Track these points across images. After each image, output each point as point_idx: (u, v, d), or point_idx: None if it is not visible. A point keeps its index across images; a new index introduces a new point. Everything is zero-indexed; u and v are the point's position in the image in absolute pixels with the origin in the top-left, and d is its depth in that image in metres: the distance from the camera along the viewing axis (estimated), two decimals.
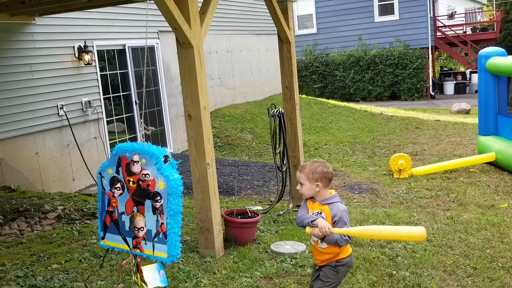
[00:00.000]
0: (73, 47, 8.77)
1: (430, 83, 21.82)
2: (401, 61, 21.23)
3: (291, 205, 7.10)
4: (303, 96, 19.16)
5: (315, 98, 19.50)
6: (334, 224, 3.31)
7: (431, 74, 22.05)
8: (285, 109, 7.04)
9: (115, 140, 9.92)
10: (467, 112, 16.77)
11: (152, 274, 3.30)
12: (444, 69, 25.82)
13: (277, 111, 6.91)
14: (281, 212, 6.79)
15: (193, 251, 5.33)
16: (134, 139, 10.39)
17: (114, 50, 9.92)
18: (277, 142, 7.00)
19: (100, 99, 9.38)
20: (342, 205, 3.40)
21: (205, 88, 5.12)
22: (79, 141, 8.79)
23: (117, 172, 3.24)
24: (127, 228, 3.27)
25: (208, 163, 5.10)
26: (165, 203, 3.12)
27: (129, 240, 3.28)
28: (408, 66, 21.14)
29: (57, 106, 8.43)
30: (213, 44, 13.43)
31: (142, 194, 3.20)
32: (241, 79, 15.09)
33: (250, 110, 14.31)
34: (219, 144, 11.70)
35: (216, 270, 4.83)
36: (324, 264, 3.51)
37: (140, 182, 3.18)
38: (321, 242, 3.40)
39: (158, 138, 11.14)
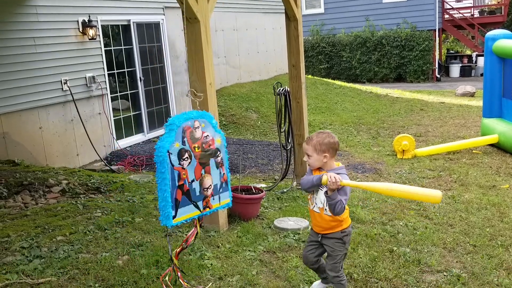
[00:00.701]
0: (77, 21, 8.76)
1: (436, 66, 21.70)
2: (408, 43, 21.09)
3: (295, 183, 7.14)
4: (309, 76, 19.10)
5: (321, 78, 19.44)
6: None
7: (437, 57, 21.91)
8: (291, 87, 7.04)
9: (120, 117, 9.95)
10: (472, 95, 16.71)
11: None
12: (451, 51, 25.66)
13: (283, 89, 6.91)
14: (285, 190, 6.84)
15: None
16: (138, 116, 10.42)
17: (118, 25, 9.89)
18: (282, 120, 7.01)
19: (104, 75, 9.38)
20: (344, 175, 3.44)
21: (211, 64, 5.12)
22: (83, 117, 8.81)
23: (183, 143, 3.42)
24: (197, 193, 3.54)
25: None
26: (223, 156, 3.62)
27: (200, 203, 3.57)
28: (415, 48, 21.01)
29: (61, 81, 8.44)
30: (220, 22, 13.37)
31: (207, 155, 3.56)
32: (247, 58, 15.04)
33: (255, 89, 14.29)
34: (224, 122, 11.72)
35: (220, 244, 4.89)
36: (329, 233, 3.57)
37: (204, 145, 3.52)
38: (326, 209, 3.47)
39: (163, 116, 11.16)
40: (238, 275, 4.26)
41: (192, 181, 3.47)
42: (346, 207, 3.52)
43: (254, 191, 5.81)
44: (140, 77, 10.37)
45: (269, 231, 5.27)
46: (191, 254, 4.63)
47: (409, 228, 5.32)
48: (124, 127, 10.06)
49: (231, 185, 6.40)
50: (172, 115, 11.32)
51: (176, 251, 3.74)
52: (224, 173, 3.61)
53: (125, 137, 10.09)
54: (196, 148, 3.46)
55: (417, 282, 4.18)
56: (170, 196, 3.41)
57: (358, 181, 7.50)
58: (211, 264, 4.42)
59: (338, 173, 3.39)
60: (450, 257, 4.65)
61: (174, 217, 3.45)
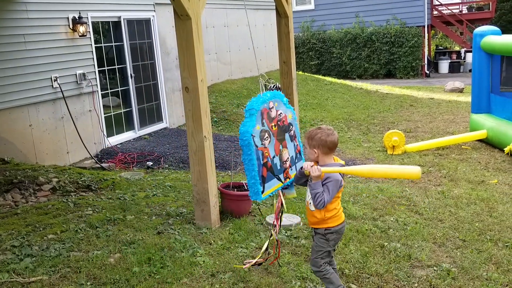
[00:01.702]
0: (68, 18, 8.71)
1: (426, 62, 21.82)
2: (397, 39, 21.18)
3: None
4: (300, 72, 19.13)
5: (312, 75, 19.48)
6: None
7: (426, 53, 22.03)
8: (282, 84, 7.06)
9: (110, 114, 9.92)
10: (460, 90, 16.83)
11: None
12: (440, 48, 25.80)
13: (274, 85, 6.92)
14: None
15: (190, 223, 5.40)
16: (129, 113, 10.39)
17: (109, 22, 9.85)
18: None
19: (94, 71, 9.34)
20: (337, 175, 3.45)
21: (203, 60, 5.13)
22: (73, 114, 8.77)
23: (263, 124, 3.70)
24: (279, 167, 3.81)
25: (205, 136, 5.13)
26: (296, 129, 3.89)
27: (281, 176, 3.84)
28: (404, 44, 21.10)
29: (51, 78, 8.40)
30: (210, 19, 13.35)
31: (282, 131, 3.84)
32: (238, 54, 15.03)
33: (246, 86, 14.30)
34: (215, 119, 11.72)
35: (212, 241, 4.90)
36: (315, 228, 3.63)
37: (279, 122, 3.79)
38: (310, 203, 3.52)
39: (154, 113, 11.14)
40: (231, 272, 4.28)
41: (274, 157, 3.76)
42: (337, 207, 3.55)
43: (246, 187, 5.83)
44: (130, 74, 10.33)
45: (261, 227, 5.29)
46: (183, 251, 4.64)
47: (400, 224, 5.36)
48: (114, 124, 10.03)
49: (222, 181, 6.45)
50: (162, 112, 11.31)
51: (275, 230, 3.97)
52: (297, 144, 3.89)
53: (116, 134, 10.05)
54: (273, 127, 3.76)
55: (408, 277, 4.22)
56: (258, 174, 3.68)
57: (349, 178, 7.55)
58: (204, 261, 4.44)
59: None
60: (440, 252, 4.70)
61: (262, 191, 3.72)
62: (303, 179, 3.59)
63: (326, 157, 3.50)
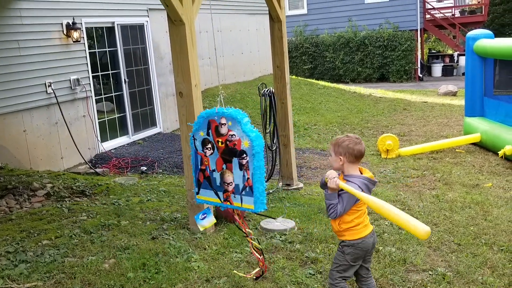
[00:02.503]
0: (61, 24, 8.70)
1: (419, 65, 21.90)
2: (390, 43, 21.26)
3: (280, 183, 7.17)
4: (293, 77, 19.16)
5: (305, 79, 19.52)
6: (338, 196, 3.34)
7: (419, 56, 22.11)
8: (276, 88, 7.07)
9: (104, 119, 9.90)
10: (454, 94, 16.91)
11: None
12: (433, 51, 25.91)
13: (267, 90, 6.94)
14: (271, 191, 6.86)
15: (184, 228, 5.39)
16: (123, 118, 10.37)
17: (103, 27, 9.85)
18: (267, 121, 7.04)
19: (88, 77, 9.33)
20: (356, 187, 3.29)
21: (197, 65, 5.13)
22: (67, 119, 8.75)
23: (208, 134, 3.62)
24: (218, 184, 3.69)
25: None
26: (250, 160, 3.52)
27: (220, 194, 3.71)
28: (397, 48, 21.19)
29: (45, 84, 8.38)
30: (204, 23, 13.36)
31: (230, 153, 3.62)
32: (232, 59, 15.05)
33: (240, 90, 14.31)
34: None
35: (206, 246, 4.90)
36: (338, 238, 3.56)
37: (228, 142, 3.59)
38: None
39: (148, 118, 11.13)
40: (225, 277, 4.27)
41: (213, 170, 3.66)
42: (356, 220, 3.40)
43: None
44: (124, 79, 10.32)
45: (255, 232, 5.29)
46: (177, 256, 4.63)
47: (394, 228, 5.37)
48: (108, 129, 10.01)
49: None
50: (156, 117, 11.30)
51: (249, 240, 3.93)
52: (248, 178, 3.55)
53: (110, 139, 10.04)
54: (220, 143, 3.61)
55: (403, 281, 4.23)
56: (194, 174, 3.72)
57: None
58: (198, 267, 4.43)
59: (348, 180, 3.32)
60: (435, 256, 4.71)
61: (197, 193, 3.77)
62: (325, 186, 3.42)
63: (351, 166, 3.39)
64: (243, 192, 3.59)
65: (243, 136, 3.52)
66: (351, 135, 3.47)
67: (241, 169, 3.58)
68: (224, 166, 3.65)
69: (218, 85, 14.22)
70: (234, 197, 3.65)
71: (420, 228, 2.98)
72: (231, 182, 3.62)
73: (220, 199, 3.72)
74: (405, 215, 3.12)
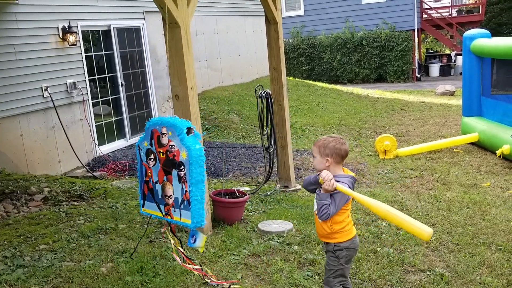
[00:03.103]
0: (57, 27, 8.68)
1: (416, 65, 21.91)
2: (387, 44, 21.27)
3: (278, 185, 7.16)
4: (291, 78, 19.17)
5: (303, 80, 19.52)
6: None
7: (417, 57, 22.13)
8: (273, 90, 7.06)
9: (101, 122, 9.88)
10: (451, 94, 16.92)
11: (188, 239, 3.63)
12: (430, 51, 25.92)
13: (264, 92, 6.93)
14: (269, 193, 6.85)
15: (182, 231, 5.37)
16: (120, 121, 10.36)
17: (99, 31, 9.83)
18: (265, 123, 7.03)
19: (85, 80, 9.31)
20: (346, 187, 3.31)
21: (193, 68, 5.12)
22: (64, 123, 8.73)
23: (151, 144, 3.50)
24: (160, 196, 3.56)
25: None
26: (187, 172, 3.36)
27: (162, 207, 3.58)
28: (395, 48, 21.20)
29: (42, 88, 8.36)
30: (200, 26, 13.36)
31: (170, 164, 3.48)
32: (229, 61, 15.04)
33: (237, 92, 14.30)
34: (206, 126, 11.70)
35: (204, 249, 4.88)
36: (326, 242, 3.49)
37: (168, 153, 3.45)
38: (317, 214, 3.40)
39: (145, 121, 11.07)
40: (223, 280, 4.26)
41: (156, 182, 3.53)
42: (345, 220, 3.41)
43: (237, 194, 5.82)
44: (121, 82, 10.31)
45: (253, 234, 5.28)
46: (175, 259, 4.61)
47: (392, 228, 5.36)
48: (106, 133, 9.99)
49: (214, 189, 6.42)
50: None
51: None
52: (186, 191, 3.40)
53: (107, 143, 10.02)
54: (161, 154, 3.47)
55: (401, 282, 4.22)
56: (140, 186, 3.60)
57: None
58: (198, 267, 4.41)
59: (337, 180, 3.29)
60: (433, 257, 4.70)
61: (143, 206, 3.65)
62: (313, 186, 3.41)
63: (337, 167, 3.40)
64: (182, 206, 3.46)
65: (181, 146, 3.39)
66: (334, 135, 3.46)
67: (179, 182, 3.44)
68: (165, 178, 3.52)
69: (216, 87, 14.22)
70: (174, 210, 3.50)
71: (424, 231, 3.07)
72: (171, 195, 3.49)
73: (162, 213, 3.57)
74: (408, 219, 3.18)
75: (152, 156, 3.51)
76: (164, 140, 3.45)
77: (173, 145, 3.42)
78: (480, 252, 4.73)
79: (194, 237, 3.55)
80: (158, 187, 3.54)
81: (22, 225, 5.77)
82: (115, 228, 5.53)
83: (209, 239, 5.13)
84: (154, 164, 3.53)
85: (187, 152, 3.35)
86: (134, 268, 4.43)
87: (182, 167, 3.39)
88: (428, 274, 4.35)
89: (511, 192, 6.63)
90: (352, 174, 3.47)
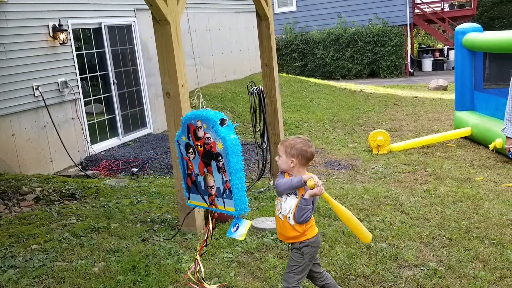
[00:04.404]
0: (47, 26, 8.61)
1: (409, 60, 21.93)
2: (380, 39, 21.27)
3: (271, 182, 7.14)
4: (284, 74, 19.14)
5: (296, 76, 19.49)
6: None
7: (409, 51, 22.15)
8: (265, 86, 7.03)
9: (93, 121, 9.83)
10: (444, 88, 16.94)
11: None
12: (422, 46, 25.96)
13: (256, 88, 6.90)
14: (262, 190, 6.83)
15: (174, 229, 5.35)
16: (113, 120, 10.31)
17: (90, 29, 9.77)
18: (257, 120, 7.01)
19: (76, 79, 9.25)
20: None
21: (183, 65, 5.09)
22: (56, 122, 8.68)
23: (188, 138, 3.60)
24: (203, 188, 3.66)
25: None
26: (225, 162, 3.44)
27: (206, 198, 3.67)
28: (387, 43, 21.20)
29: (33, 87, 8.30)
30: (192, 23, 13.29)
31: (208, 156, 3.56)
32: (221, 58, 15.00)
33: (230, 89, 14.26)
34: None
35: (197, 247, 4.85)
36: (290, 242, 3.48)
37: (206, 145, 3.54)
38: (289, 218, 3.36)
39: (138, 119, 11.06)
40: (216, 278, 4.24)
41: (197, 175, 3.64)
42: (313, 218, 3.47)
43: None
44: (113, 80, 10.26)
45: (247, 231, 5.25)
46: (168, 258, 4.59)
47: (386, 224, 5.36)
48: (98, 131, 9.94)
49: None
50: (146, 118, 11.24)
51: (199, 250, 3.80)
52: (227, 180, 3.49)
53: (100, 141, 9.96)
54: (199, 146, 3.58)
55: (395, 277, 4.21)
56: (184, 179, 3.74)
57: (335, 179, 7.55)
58: (189, 268, 4.38)
59: None
60: (426, 251, 4.70)
61: (188, 198, 3.78)
62: (291, 189, 3.33)
63: (302, 169, 3.36)
64: (224, 195, 3.53)
65: (216, 138, 3.46)
66: (302, 136, 3.43)
67: (219, 172, 3.52)
68: (205, 169, 3.60)
69: (208, 84, 14.18)
70: (218, 200, 3.59)
71: (366, 234, 3.43)
72: (213, 186, 3.57)
73: (206, 203, 3.67)
74: (356, 221, 3.44)
75: (191, 150, 3.61)
76: (200, 133, 3.53)
77: (209, 137, 3.50)
78: (473, 247, 4.72)
79: (237, 225, 3.59)
80: (200, 179, 3.64)
81: (13, 225, 5.73)
82: (107, 227, 5.50)
83: (202, 237, 5.10)
84: (194, 157, 3.63)
85: (222, 143, 3.42)
86: (127, 267, 4.40)
87: (220, 157, 3.47)
88: (421, 269, 4.34)
89: (504, 186, 6.63)
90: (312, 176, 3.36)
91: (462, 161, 8.03)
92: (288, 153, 3.34)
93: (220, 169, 3.50)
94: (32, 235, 5.37)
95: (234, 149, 3.42)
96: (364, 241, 3.57)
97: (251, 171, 8.30)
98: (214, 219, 3.72)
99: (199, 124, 3.52)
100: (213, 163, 3.54)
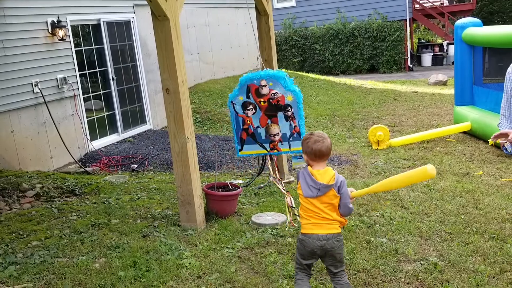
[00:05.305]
0: (46, 22, 8.60)
1: (408, 55, 21.90)
2: (379, 34, 21.24)
3: (271, 178, 7.13)
4: (283, 70, 19.06)
5: (295, 72, 19.48)
6: None
7: (409, 46, 22.12)
8: None
9: (93, 117, 9.82)
10: (444, 83, 16.93)
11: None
12: (422, 41, 25.93)
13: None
14: (262, 185, 6.83)
15: (175, 225, 5.36)
16: (112, 116, 10.30)
17: (88, 25, 9.75)
18: None
19: (76, 75, 9.24)
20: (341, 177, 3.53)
21: (183, 61, 5.08)
22: (55, 119, 8.67)
23: (248, 97, 4.40)
24: (263, 137, 4.60)
25: (187, 137, 5.09)
26: (295, 111, 4.43)
27: (266, 145, 4.65)
28: (387, 38, 21.17)
29: (32, 83, 8.29)
30: (191, 18, 13.28)
31: (274, 109, 4.47)
32: (221, 54, 14.98)
33: (230, 85, 14.24)
34: (199, 119, 11.66)
35: (198, 242, 4.87)
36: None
37: (271, 100, 4.40)
38: None
39: (137, 115, 11.06)
40: (217, 273, 4.25)
41: (257, 127, 4.49)
42: (301, 212, 3.54)
43: (231, 187, 5.80)
44: (112, 77, 10.24)
45: (247, 227, 5.27)
46: (168, 253, 4.60)
47: (386, 219, 5.37)
48: (98, 128, 9.93)
49: (207, 182, 6.42)
50: (146, 114, 11.24)
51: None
52: (295, 126, 4.41)
53: (100, 137, 9.96)
54: (262, 102, 4.36)
55: (395, 272, 4.22)
56: (236, 135, 4.63)
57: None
58: (189, 263, 4.40)
59: None
60: (426, 246, 4.71)
61: (240, 150, 4.70)
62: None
63: (316, 165, 3.40)
64: (291, 138, 4.48)
65: (286, 92, 4.27)
66: (316, 132, 3.44)
67: (287, 120, 4.41)
68: (268, 121, 4.45)
69: (208, 80, 14.17)
70: (282, 144, 4.52)
71: (425, 171, 3.36)
72: (278, 133, 4.45)
73: (266, 149, 4.60)
74: (406, 173, 3.50)
75: (250, 107, 4.40)
76: (264, 90, 4.31)
77: (276, 92, 4.30)
78: (473, 241, 4.73)
79: (299, 156, 4.59)
80: (261, 130, 4.52)
81: (14, 222, 5.74)
82: (107, 223, 5.51)
83: (203, 233, 5.12)
84: (254, 113, 4.43)
85: (293, 95, 4.29)
86: (127, 263, 4.41)
87: (289, 108, 4.35)
88: (421, 264, 4.35)
89: (504, 181, 6.64)
90: (325, 179, 3.39)
91: (461, 155, 8.04)
92: (302, 148, 3.51)
93: (289, 118, 4.41)
94: (33, 232, 5.38)
95: (301, 99, 4.38)
96: (429, 177, 3.46)
97: (251, 167, 8.31)
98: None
99: (263, 83, 4.27)
100: (280, 114, 4.41)
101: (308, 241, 3.42)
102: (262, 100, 4.35)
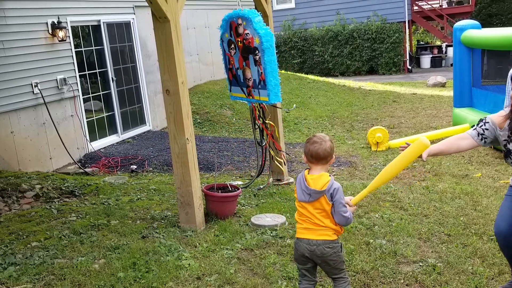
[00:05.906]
0: (46, 23, 8.61)
1: (407, 57, 21.95)
2: (378, 36, 21.28)
3: (271, 179, 7.15)
4: (282, 71, 19.11)
5: (294, 73, 19.49)
6: None
7: (408, 48, 22.16)
8: None
9: (93, 118, 9.83)
10: (443, 85, 16.96)
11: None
12: (421, 43, 25.97)
13: None
14: (261, 186, 6.84)
15: (174, 226, 5.36)
16: (112, 117, 10.31)
17: (88, 26, 9.77)
18: (256, 117, 7.00)
19: (75, 76, 9.25)
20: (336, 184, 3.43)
21: (183, 62, 5.09)
22: (55, 120, 8.68)
23: (231, 35, 4.07)
24: (242, 80, 4.21)
25: (187, 138, 5.10)
26: (261, 55, 3.94)
27: (244, 89, 4.23)
28: (386, 40, 21.21)
29: (32, 84, 8.30)
30: (191, 20, 13.30)
31: (247, 50, 4.05)
32: (220, 55, 14.96)
33: None
34: (198, 120, 11.67)
35: (197, 243, 4.88)
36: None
37: (245, 41, 4.02)
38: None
39: (137, 116, 11.07)
40: (216, 274, 4.26)
41: (238, 68, 4.13)
42: (296, 217, 3.51)
43: (230, 188, 5.81)
44: (112, 78, 10.26)
45: (246, 228, 5.28)
46: (168, 254, 4.61)
47: (385, 220, 5.38)
48: (97, 129, 9.94)
49: (207, 183, 6.42)
50: (145, 115, 11.25)
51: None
52: (261, 72, 3.94)
53: (99, 138, 9.97)
54: (239, 42, 4.01)
55: (394, 273, 4.23)
56: (226, 73, 4.30)
57: (334, 176, 7.56)
58: (189, 264, 4.41)
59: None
60: (425, 247, 4.72)
61: (230, 90, 4.34)
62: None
63: (314, 167, 3.35)
64: (259, 86, 4.03)
65: (254, 33, 3.87)
66: (319, 134, 3.40)
67: (255, 65, 3.99)
68: (244, 63, 4.07)
69: (208, 81, 14.19)
70: (254, 91, 4.10)
71: (418, 146, 3.30)
72: (250, 78, 4.04)
73: (245, 94, 4.17)
74: (400, 155, 3.42)
75: (232, 46, 4.05)
76: (240, 29, 3.96)
77: (248, 33, 3.94)
78: (472, 243, 4.75)
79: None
80: (240, 72, 4.14)
81: (13, 223, 5.74)
82: (107, 224, 5.51)
83: (202, 234, 5.13)
84: (235, 53, 4.09)
85: (259, 37, 3.85)
86: (127, 264, 4.42)
87: (257, 51, 3.92)
88: (420, 265, 4.36)
89: (502, 182, 6.66)
90: (318, 185, 3.31)
91: (460, 157, 8.06)
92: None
93: (256, 62, 3.97)
94: (32, 232, 5.38)
95: (268, 43, 3.88)
96: (424, 148, 3.37)
97: (250, 168, 8.32)
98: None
99: (239, 21, 3.93)
100: (250, 57, 3.99)
101: (299, 244, 3.40)
102: (239, 39, 4.06)
